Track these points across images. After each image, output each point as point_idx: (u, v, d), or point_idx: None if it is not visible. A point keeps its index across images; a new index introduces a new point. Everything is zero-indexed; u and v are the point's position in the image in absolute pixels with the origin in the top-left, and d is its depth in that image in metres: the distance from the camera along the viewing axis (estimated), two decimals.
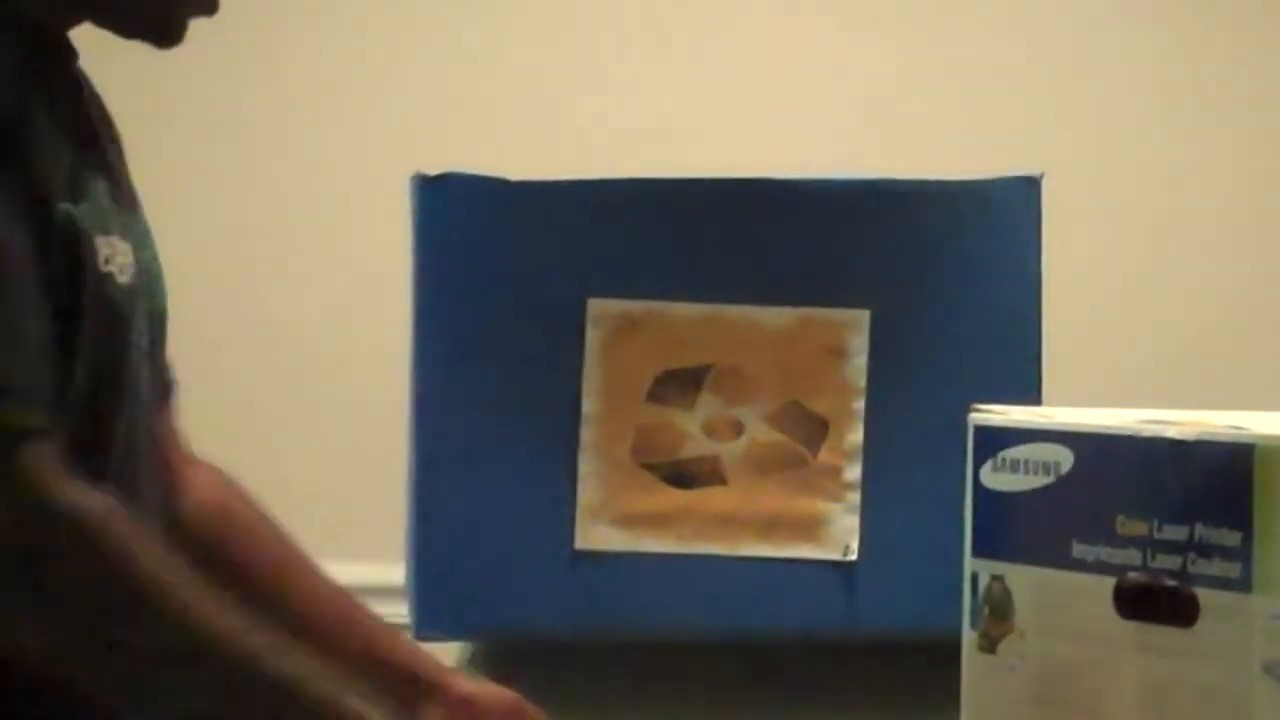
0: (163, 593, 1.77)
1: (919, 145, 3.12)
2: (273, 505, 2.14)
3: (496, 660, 2.59)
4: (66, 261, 1.82)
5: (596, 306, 2.47)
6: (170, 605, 1.78)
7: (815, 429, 2.53)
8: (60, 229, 1.82)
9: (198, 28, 3.16)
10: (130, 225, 1.96)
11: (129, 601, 1.77)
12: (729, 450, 2.48)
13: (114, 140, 2.05)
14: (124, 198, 1.98)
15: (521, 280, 2.52)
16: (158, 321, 2.01)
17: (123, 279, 1.88)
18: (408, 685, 2.16)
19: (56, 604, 1.77)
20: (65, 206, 1.83)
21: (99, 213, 1.88)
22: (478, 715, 2.19)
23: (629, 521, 2.51)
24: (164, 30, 1.96)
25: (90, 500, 1.74)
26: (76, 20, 1.96)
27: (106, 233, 1.88)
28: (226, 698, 1.84)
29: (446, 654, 2.59)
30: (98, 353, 1.86)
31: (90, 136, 1.98)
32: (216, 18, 3.29)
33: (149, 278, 1.98)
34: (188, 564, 1.80)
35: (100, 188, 1.91)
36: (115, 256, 1.88)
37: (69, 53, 1.97)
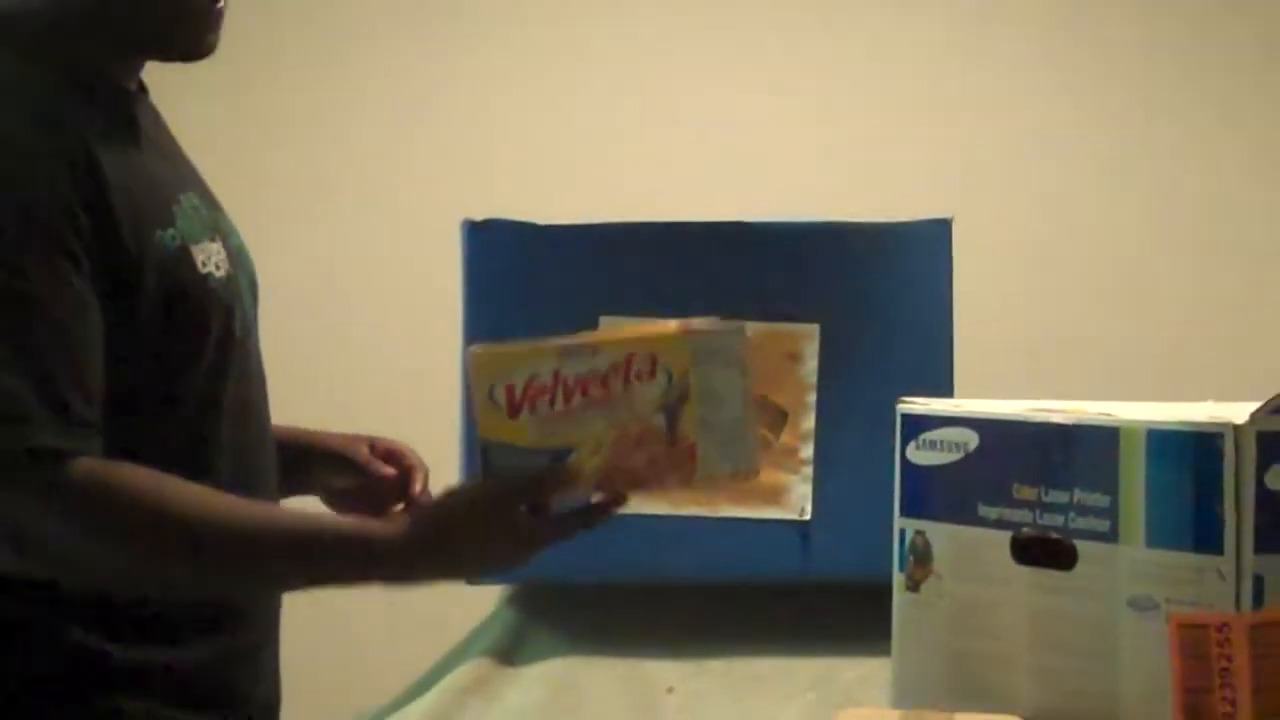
0: (188, 511, 1.74)
1: (858, 194, 3.13)
2: None
3: (531, 598, 2.60)
4: (167, 277, 1.79)
5: (606, 323, 2.46)
6: (197, 515, 1.75)
7: (778, 417, 2.54)
8: (161, 254, 1.79)
9: (280, 93, 3.12)
10: (218, 223, 1.93)
11: (164, 527, 1.74)
12: None
13: (183, 153, 2.01)
14: (207, 198, 1.95)
15: (548, 301, 2.51)
16: (255, 290, 2.00)
17: (219, 273, 1.86)
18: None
19: (118, 556, 1.74)
20: (161, 235, 1.81)
21: (192, 225, 1.86)
22: (396, 458, 2.15)
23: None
24: (196, 49, 1.89)
25: (97, 476, 1.70)
26: (134, 60, 1.91)
27: (200, 240, 1.86)
28: (272, 562, 1.81)
29: (494, 593, 2.63)
30: (207, 333, 1.84)
31: (173, 158, 1.96)
32: (301, 86, 3.26)
33: (240, 258, 1.96)
34: (191, 485, 1.76)
35: (191, 201, 1.89)
36: (211, 257, 1.86)
37: (138, 93, 1.93)
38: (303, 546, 1.81)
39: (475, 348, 1.90)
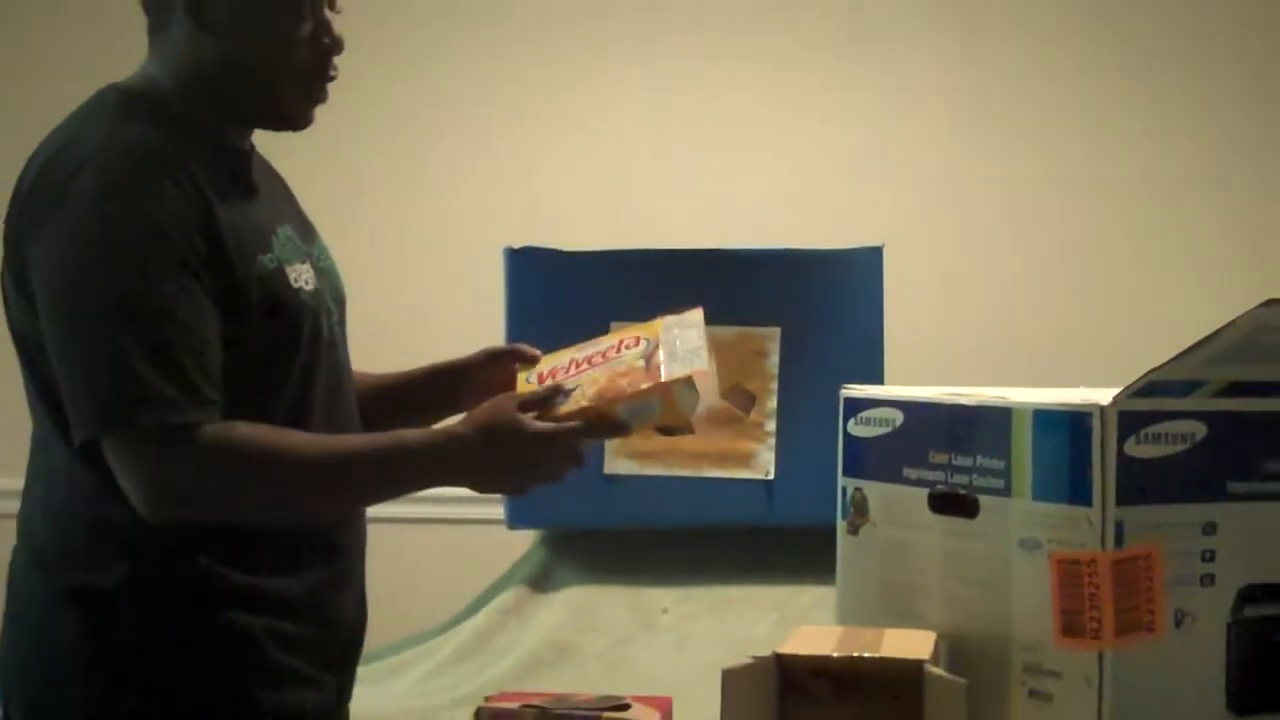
0: (294, 453, 1.78)
1: (811, 227, 3.09)
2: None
3: (557, 540, 2.62)
4: (268, 292, 1.81)
5: (616, 327, 2.37)
6: (295, 454, 1.78)
7: (748, 400, 2.57)
8: (262, 273, 1.82)
9: (361, 148, 3.11)
10: (308, 249, 1.93)
11: (279, 466, 1.77)
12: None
13: (287, 190, 2.01)
14: (302, 231, 1.95)
15: (570, 310, 2.50)
16: (340, 301, 1.99)
17: (308, 287, 1.87)
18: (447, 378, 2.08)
19: (246, 495, 1.77)
20: (262, 259, 1.83)
21: (287, 251, 1.87)
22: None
23: (636, 457, 2.54)
24: (296, 124, 1.91)
25: (220, 436, 1.73)
26: (245, 128, 1.91)
27: (293, 262, 1.87)
28: (363, 481, 1.83)
29: (529, 537, 2.65)
30: (300, 333, 1.85)
31: (276, 200, 1.96)
32: (379, 139, 3.23)
33: (328, 278, 1.96)
34: (292, 431, 1.79)
35: (286, 232, 1.89)
36: (301, 275, 1.87)
37: (248, 151, 1.93)
38: (388, 458, 1.82)
39: (518, 366, 1.97)
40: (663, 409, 1.83)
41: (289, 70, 1.85)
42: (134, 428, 1.71)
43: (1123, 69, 3.55)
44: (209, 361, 1.75)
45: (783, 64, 3.57)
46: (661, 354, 1.86)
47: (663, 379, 1.82)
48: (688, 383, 1.82)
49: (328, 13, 1.87)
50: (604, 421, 1.83)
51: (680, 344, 1.88)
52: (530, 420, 1.81)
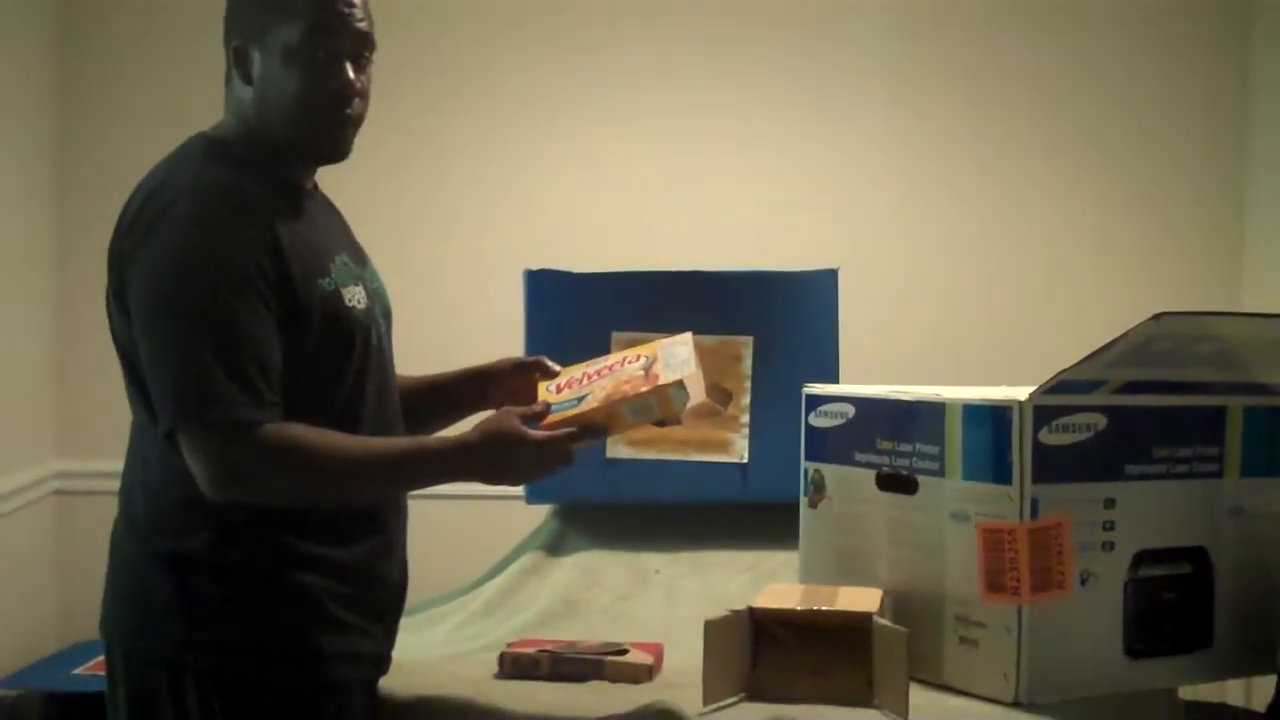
0: (334, 451, 1.75)
1: (778, 250, 3.05)
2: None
3: (568, 512, 2.57)
4: (326, 310, 1.79)
5: (617, 337, 2.46)
6: (337, 452, 1.75)
7: (726, 397, 2.53)
8: (322, 294, 1.79)
9: (402, 185, 3.05)
10: (360, 273, 1.90)
11: (322, 462, 1.74)
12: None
13: (343, 222, 1.98)
14: (356, 257, 1.92)
15: (579, 323, 2.48)
16: (387, 316, 1.96)
17: (361, 306, 1.84)
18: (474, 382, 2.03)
19: (294, 484, 1.75)
20: (322, 282, 1.80)
21: (343, 275, 1.84)
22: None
23: (634, 444, 2.50)
24: (331, 158, 1.87)
25: (277, 434, 1.71)
26: (304, 166, 1.87)
27: (348, 285, 1.84)
28: (390, 477, 1.81)
29: (544, 511, 2.61)
30: (354, 344, 1.83)
31: (334, 230, 1.92)
32: (414, 170, 3.19)
33: (378, 297, 1.92)
34: (336, 433, 1.76)
35: (343, 259, 1.86)
36: (355, 296, 1.84)
37: (309, 189, 1.90)
38: (412, 459, 1.81)
39: (538, 376, 1.99)
40: (660, 406, 1.85)
41: (312, 117, 1.82)
42: (205, 422, 1.70)
43: (1029, 124, 3.54)
44: (271, 369, 1.73)
45: (754, 117, 3.54)
46: (659, 365, 1.90)
47: (660, 383, 1.86)
48: (679, 385, 1.85)
49: (349, 72, 1.82)
50: (589, 428, 1.85)
51: (674, 357, 1.92)
52: (530, 430, 1.81)
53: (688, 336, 1.97)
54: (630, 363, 1.93)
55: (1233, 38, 3.48)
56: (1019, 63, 3.52)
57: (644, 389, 1.85)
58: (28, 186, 3.38)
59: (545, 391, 1.94)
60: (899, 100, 3.53)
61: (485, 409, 2.00)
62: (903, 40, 3.53)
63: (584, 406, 1.85)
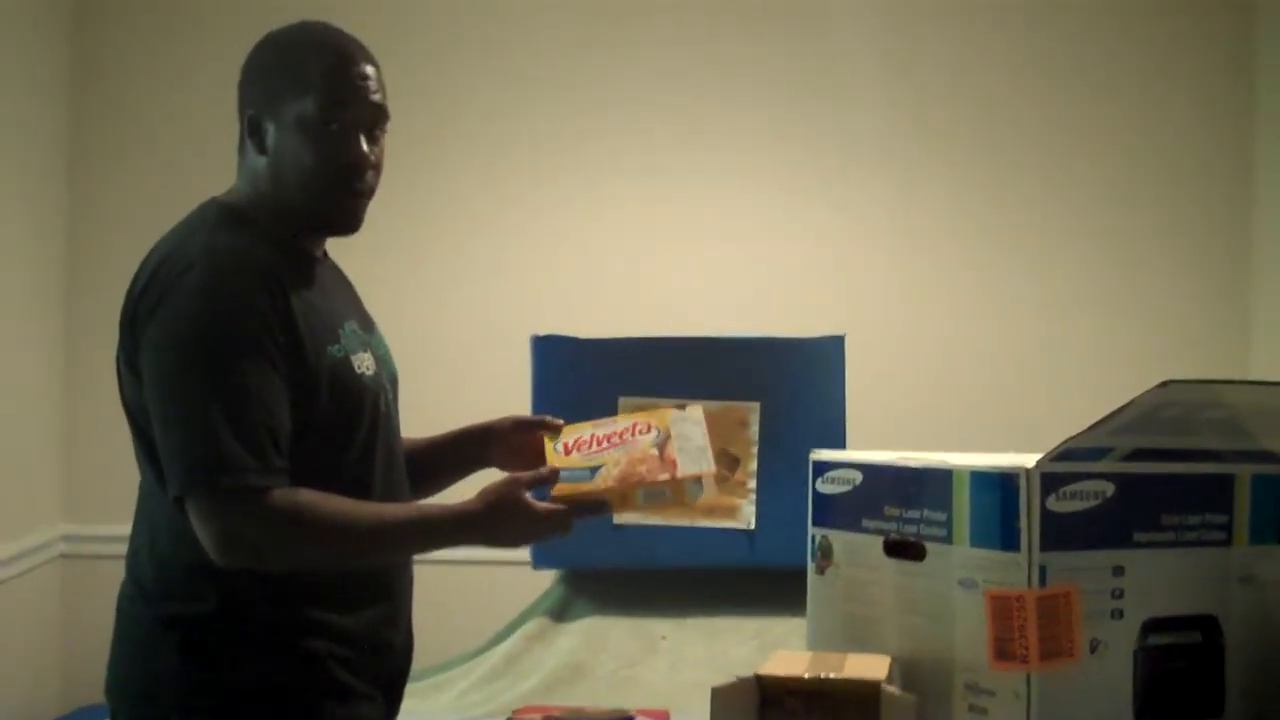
0: (342, 518, 1.74)
1: (785, 318, 3.10)
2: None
3: (574, 578, 2.58)
4: (336, 376, 1.79)
5: (624, 401, 2.47)
6: (343, 520, 1.74)
7: (733, 462, 2.54)
8: (332, 361, 1.80)
9: (411, 250, 3.06)
10: (368, 339, 1.90)
11: (329, 529, 1.74)
12: None
13: (351, 289, 1.98)
14: (364, 324, 1.92)
15: (586, 388, 2.50)
16: (394, 382, 1.96)
17: (369, 372, 1.85)
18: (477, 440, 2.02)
19: (301, 551, 1.74)
20: (331, 349, 1.81)
21: (352, 342, 1.85)
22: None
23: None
24: (341, 230, 1.88)
25: (286, 501, 1.71)
26: (315, 235, 1.88)
27: (357, 352, 1.84)
28: (397, 543, 1.81)
29: (550, 575, 2.61)
30: (363, 410, 1.83)
31: (343, 298, 1.93)
32: (421, 239, 3.19)
33: (384, 364, 1.92)
34: (343, 500, 1.75)
35: (352, 326, 1.87)
36: (363, 362, 1.85)
37: (320, 257, 1.91)
38: (417, 526, 1.81)
39: (545, 433, 1.98)
40: (674, 497, 1.87)
41: (325, 189, 1.82)
42: (214, 488, 1.70)
43: (1036, 189, 3.57)
44: (280, 435, 1.73)
45: (763, 193, 3.59)
46: (674, 446, 1.89)
47: (678, 475, 1.86)
48: (696, 481, 1.87)
49: (363, 144, 1.83)
50: (598, 506, 1.85)
51: (689, 441, 1.91)
52: (533, 502, 1.82)
53: (700, 415, 1.96)
54: (642, 433, 1.92)
55: (1239, 100, 3.51)
56: (1025, 125, 3.57)
57: (662, 477, 1.85)
58: (38, 252, 3.40)
59: (553, 453, 1.93)
60: (904, 166, 3.57)
61: (486, 467, 2.01)
62: (908, 104, 3.57)
63: (597, 482, 1.85)
